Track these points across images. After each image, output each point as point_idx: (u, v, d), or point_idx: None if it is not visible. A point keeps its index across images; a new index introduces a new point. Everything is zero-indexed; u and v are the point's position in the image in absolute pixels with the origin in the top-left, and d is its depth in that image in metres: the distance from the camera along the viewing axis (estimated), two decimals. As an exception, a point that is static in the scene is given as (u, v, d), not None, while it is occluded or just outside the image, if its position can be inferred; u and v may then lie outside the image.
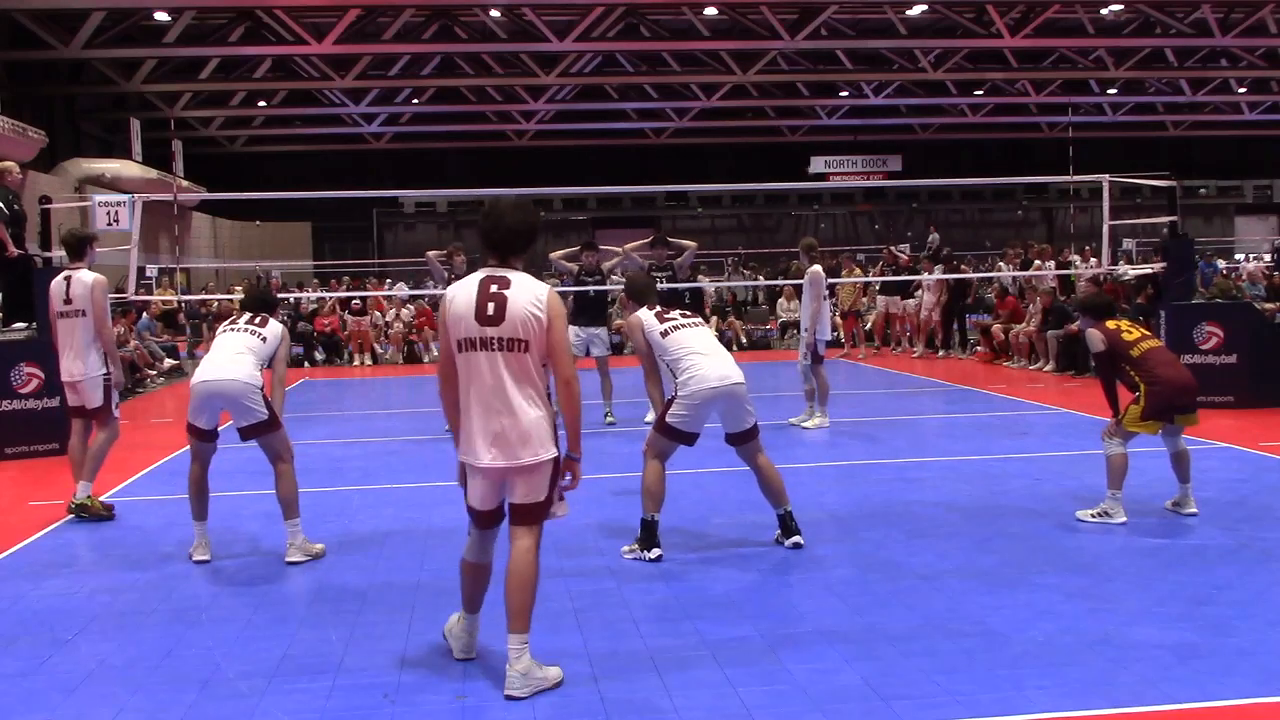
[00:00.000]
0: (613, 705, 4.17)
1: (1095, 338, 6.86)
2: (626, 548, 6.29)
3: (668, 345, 6.30)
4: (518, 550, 4.38)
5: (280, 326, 6.72)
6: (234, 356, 6.37)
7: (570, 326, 11.58)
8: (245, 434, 6.42)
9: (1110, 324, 6.89)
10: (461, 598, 4.67)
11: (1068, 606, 5.17)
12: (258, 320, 6.63)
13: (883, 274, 19.33)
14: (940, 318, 18.32)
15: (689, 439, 6.26)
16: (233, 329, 6.59)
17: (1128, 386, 6.80)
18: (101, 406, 7.70)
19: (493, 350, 4.28)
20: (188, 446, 6.66)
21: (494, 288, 4.30)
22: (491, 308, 4.26)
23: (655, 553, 6.15)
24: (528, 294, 4.29)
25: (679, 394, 6.18)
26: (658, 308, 6.57)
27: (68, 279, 7.77)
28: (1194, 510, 6.82)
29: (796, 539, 6.30)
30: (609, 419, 11.23)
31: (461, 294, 4.35)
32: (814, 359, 10.78)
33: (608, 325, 12.15)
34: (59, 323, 7.79)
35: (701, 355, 6.23)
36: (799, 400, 11.26)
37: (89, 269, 7.90)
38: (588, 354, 11.34)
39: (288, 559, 6.33)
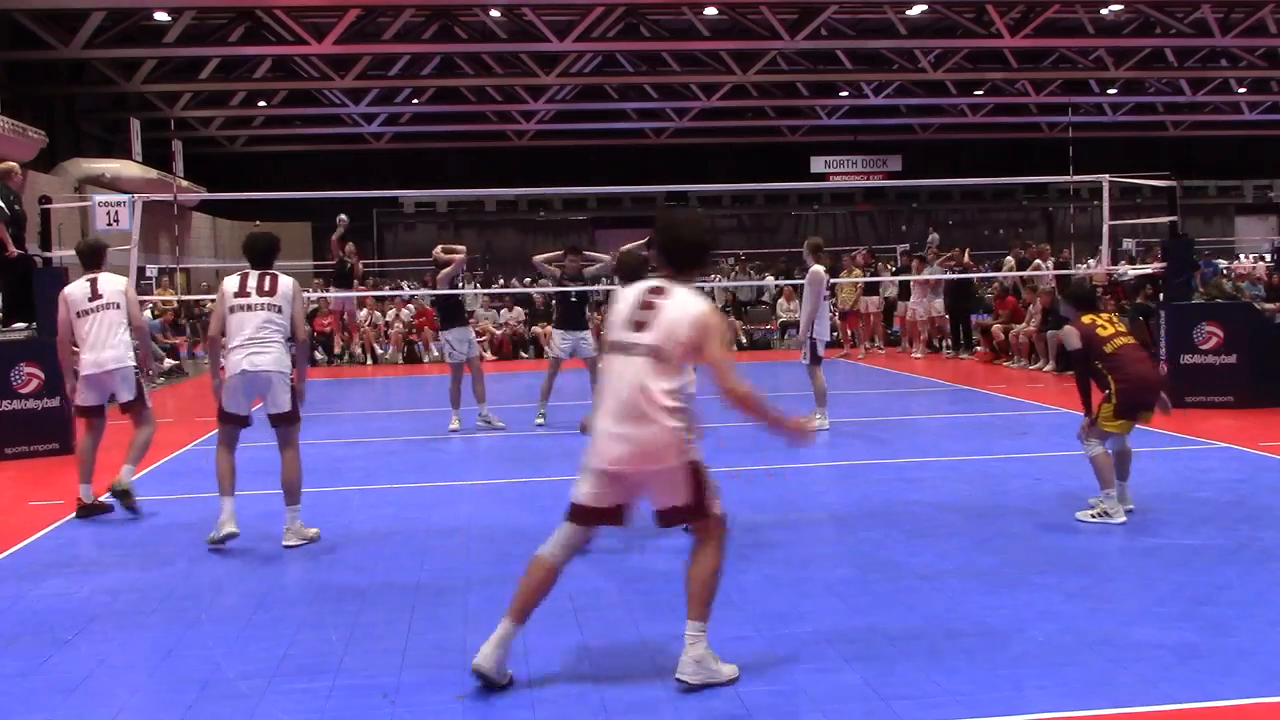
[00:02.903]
0: (613, 705, 4.17)
1: (1071, 335, 6.88)
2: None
3: None
4: (696, 545, 4.46)
5: (289, 281, 6.83)
6: (264, 346, 6.58)
7: (556, 331, 11.80)
8: (273, 420, 6.69)
9: (1087, 318, 6.87)
10: (512, 602, 4.42)
11: (1068, 606, 5.16)
12: (267, 286, 6.71)
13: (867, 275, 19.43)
14: (948, 318, 18.44)
15: None
16: (246, 307, 6.66)
17: (1099, 384, 6.82)
18: (135, 400, 7.73)
19: (633, 355, 4.33)
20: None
21: (652, 296, 4.38)
22: (644, 315, 4.34)
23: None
24: (681, 308, 4.32)
25: None
26: None
27: (92, 280, 7.78)
28: (1130, 507, 6.82)
29: None
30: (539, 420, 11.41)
31: (622, 298, 4.48)
32: (813, 359, 10.75)
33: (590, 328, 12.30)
34: (83, 320, 7.67)
35: None
36: (800, 400, 11.24)
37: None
38: (572, 356, 11.48)
39: (285, 543, 6.53)
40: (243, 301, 6.68)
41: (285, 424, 6.69)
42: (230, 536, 6.56)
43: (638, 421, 4.25)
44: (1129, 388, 6.60)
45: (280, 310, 6.68)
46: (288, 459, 6.67)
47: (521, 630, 4.42)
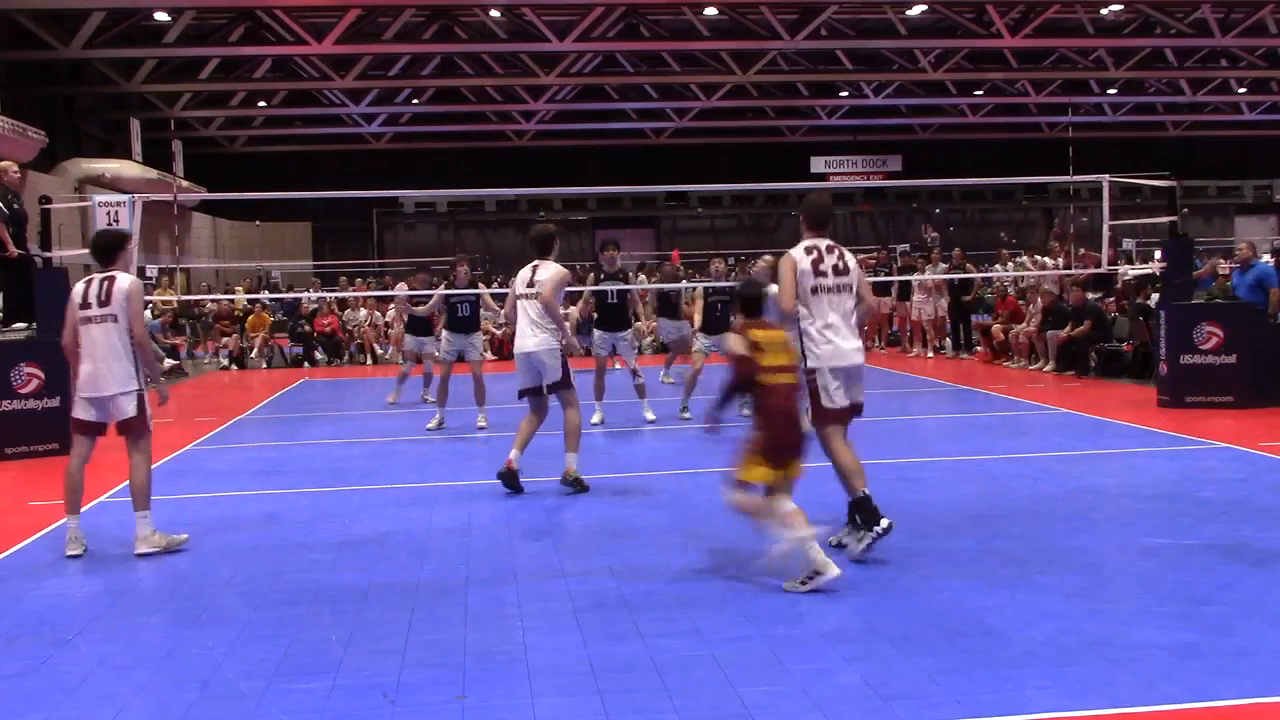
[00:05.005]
0: (613, 705, 4.17)
1: (736, 343, 5.67)
2: (859, 544, 5.96)
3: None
4: None
5: (125, 282, 6.50)
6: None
7: (597, 330, 11.98)
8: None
9: (756, 332, 5.67)
10: None
11: (1068, 606, 5.16)
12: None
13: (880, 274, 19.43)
14: (948, 318, 18.44)
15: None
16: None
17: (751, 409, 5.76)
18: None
19: None
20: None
21: None
22: None
23: (884, 524, 5.93)
24: None
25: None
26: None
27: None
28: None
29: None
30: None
31: None
32: None
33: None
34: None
35: None
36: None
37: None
38: (613, 353, 11.80)
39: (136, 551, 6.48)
40: (85, 314, 6.43)
41: (129, 433, 6.55)
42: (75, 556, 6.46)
43: None
44: (775, 431, 5.58)
45: (117, 319, 6.40)
46: (134, 463, 6.55)
47: None
